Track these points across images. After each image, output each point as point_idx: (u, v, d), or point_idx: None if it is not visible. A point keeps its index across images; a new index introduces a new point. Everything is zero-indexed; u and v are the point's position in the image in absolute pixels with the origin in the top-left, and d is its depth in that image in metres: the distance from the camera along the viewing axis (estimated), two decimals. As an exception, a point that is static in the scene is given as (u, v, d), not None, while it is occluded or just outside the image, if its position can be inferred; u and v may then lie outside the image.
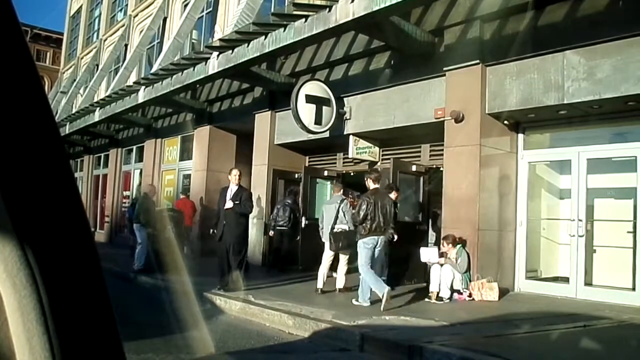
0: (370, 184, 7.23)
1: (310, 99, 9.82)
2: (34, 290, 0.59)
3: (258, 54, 9.20)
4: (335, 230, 7.74)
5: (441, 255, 7.68)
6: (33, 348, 0.59)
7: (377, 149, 10.63)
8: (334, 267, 8.30)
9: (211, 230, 8.64)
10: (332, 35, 9.12)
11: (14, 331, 0.60)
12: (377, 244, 6.96)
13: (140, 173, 17.98)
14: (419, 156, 10.01)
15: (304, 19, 8.19)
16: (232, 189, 8.17)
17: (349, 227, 7.68)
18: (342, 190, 8.72)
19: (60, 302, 0.61)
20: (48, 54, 41.28)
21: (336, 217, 7.81)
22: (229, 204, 7.97)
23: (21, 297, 0.59)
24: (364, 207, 6.90)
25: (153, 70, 13.55)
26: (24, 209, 0.61)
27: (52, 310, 0.60)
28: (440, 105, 8.46)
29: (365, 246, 6.91)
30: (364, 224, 6.87)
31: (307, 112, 9.80)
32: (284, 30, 8.58)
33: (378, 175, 7.42)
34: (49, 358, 0.59)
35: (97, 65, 21.50)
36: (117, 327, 0.66)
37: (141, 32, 18.41)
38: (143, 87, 13.50)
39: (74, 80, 23.42)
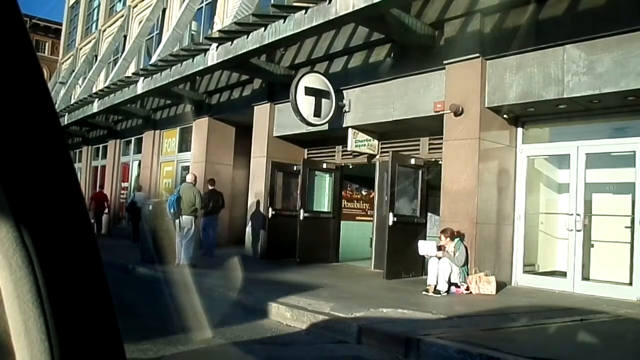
0: (209, 187, 11.69)
1: (309, 91, 9.79)
2: (30, 272, 0.59)
3: (257, 46, 9.18)
4: None
5: (439, 248, 7.69)
6: (29, 330, 0.59)
7: (376, 141, 10.61)
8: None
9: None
10: (332, 28, 9.08)
11: (9, 313, 0.59)
12: (211, 219, 11.23)
13: (139, 164, 17.96)
14: (418, 149, 9.99)
15: (303, 11, 8.15)
16: None
17: None
18: None
19: (57, 284, 0.61)
20: (47, 44, 41.11)
21: None
22: None
23: (17, 278, 0.59)
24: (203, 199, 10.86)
25: (152, 61, 13.52)
26: (21, 191, 0.60)
27: (48, 292, 0.60)
28: (440, 99, 8.45)
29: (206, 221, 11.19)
30: (203, 209, 10.75)
31: (306, 104, 9.78)
32: (284, 22, 8.55)
33: (213, 182, 11.75)
34: (45, 340, 0.59)
35: (96, 56, 21.44)
36: (114, 309, 0.65)
37: (140, 22, 18.34)
38: (142, 78, 13.46)
39: (73, 70, 23.35)
